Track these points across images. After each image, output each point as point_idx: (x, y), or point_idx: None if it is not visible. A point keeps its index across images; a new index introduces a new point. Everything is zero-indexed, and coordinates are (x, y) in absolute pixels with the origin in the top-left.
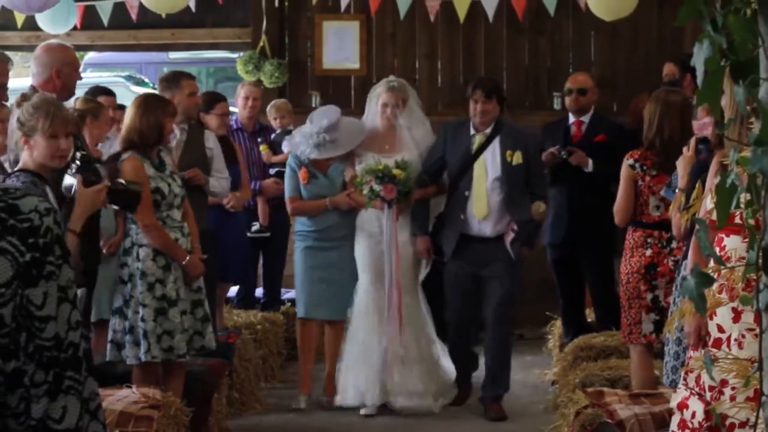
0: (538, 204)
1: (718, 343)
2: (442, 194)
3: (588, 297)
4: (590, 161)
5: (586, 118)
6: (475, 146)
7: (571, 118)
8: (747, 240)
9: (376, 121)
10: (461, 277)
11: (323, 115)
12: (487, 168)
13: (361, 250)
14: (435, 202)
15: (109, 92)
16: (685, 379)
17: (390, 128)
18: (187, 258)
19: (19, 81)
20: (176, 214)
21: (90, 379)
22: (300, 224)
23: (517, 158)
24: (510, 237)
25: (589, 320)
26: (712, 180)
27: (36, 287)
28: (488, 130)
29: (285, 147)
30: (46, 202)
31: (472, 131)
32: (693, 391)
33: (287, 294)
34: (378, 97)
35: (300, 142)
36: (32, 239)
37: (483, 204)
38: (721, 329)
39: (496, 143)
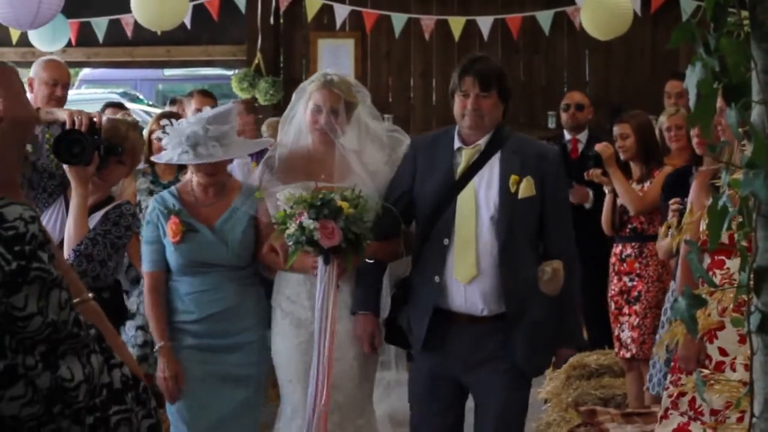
0: (551, 265)
1: (720, 367)
2: (408, 254)
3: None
4: (591, 196)
5: (581, 137)
6: (461, 167)
7: (567, 136)
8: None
9: (306, 138)
10: (435, 385)
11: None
12: (479, 201)
13: (284, 349)
14: (395, 265)
15: (121, 106)
16: (676, 404)
17: (326, 147)
18: None
19: None
20: None
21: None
22: (176, 308)
23: (527, 188)
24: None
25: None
26: (699, 202)
27: (19, 293)
28: (482, 142)
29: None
30: (30, 210)
31: (456, 144)
32: (690, 416)
33: None
34: (308, 97)
35: (167, 147)
36: (18, 247)
37: (469, 259)
38: (723, 352)
39: (494, 162)
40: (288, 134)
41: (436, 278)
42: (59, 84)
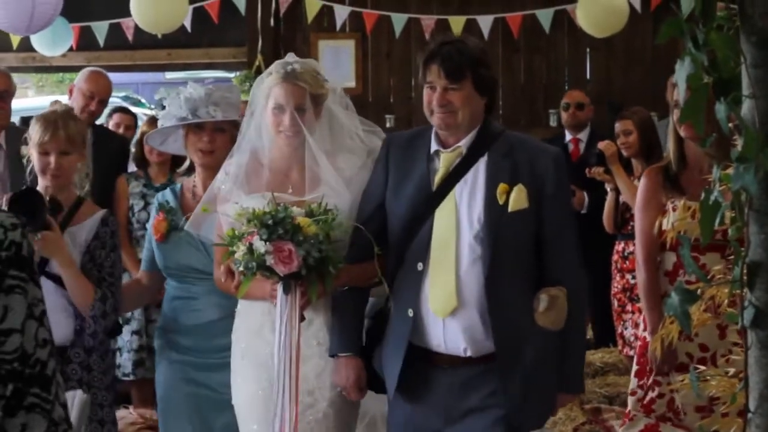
0: (548, 293)
1: (702, 364)
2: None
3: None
4: (586, 201)
5: (583, 136)
6: (439, 174)
7: (568, 136)
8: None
9: (269, 139)
10: None
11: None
12: (460, 216)
13: (243, 395)
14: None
15: (127, 111)
16: (650, 408)
17: (293, 150)
18: None
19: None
20: None
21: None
22: (164, 315)
23: (518, 199)
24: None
25: (587, 337)
26: (655, 201)
27: None
28: (464, 144)
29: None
30: (14, 218)
31: (433, 146)
32: (668, 418)
33: None
34: (267, 93)
35: (165, 118)
36: None
37: (448, 288)
38: (704, 348)
39: (479, 168)
40: (249, 134)
41: (410, 311)
42: (96, 98)
